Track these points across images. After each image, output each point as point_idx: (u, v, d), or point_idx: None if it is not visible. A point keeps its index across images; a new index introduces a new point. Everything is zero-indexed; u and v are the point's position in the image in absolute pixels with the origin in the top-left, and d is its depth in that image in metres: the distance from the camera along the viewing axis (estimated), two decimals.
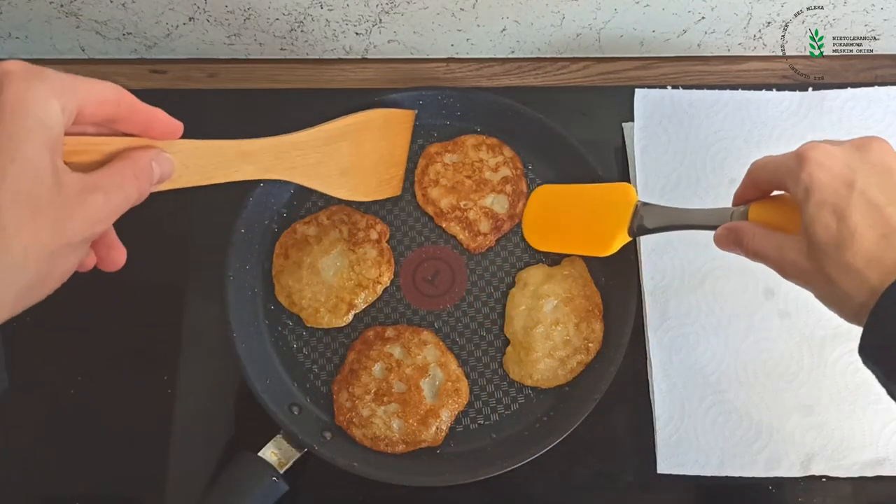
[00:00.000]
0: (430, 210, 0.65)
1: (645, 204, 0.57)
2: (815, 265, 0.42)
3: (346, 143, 0.59)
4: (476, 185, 0.65)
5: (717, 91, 0.68)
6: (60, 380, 0.62)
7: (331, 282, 0.62)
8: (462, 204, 0.64)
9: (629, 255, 0.61)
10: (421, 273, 0.64)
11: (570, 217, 0.63)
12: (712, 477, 0.58)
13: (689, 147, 0.66)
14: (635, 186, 0.65)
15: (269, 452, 0.56)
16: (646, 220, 0.57)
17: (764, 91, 0.68)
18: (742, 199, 0.51)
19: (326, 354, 0.62)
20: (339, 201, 0.65)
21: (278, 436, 0.57)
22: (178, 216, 0.67)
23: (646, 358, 0.61)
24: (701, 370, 0.61)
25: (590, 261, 0.63)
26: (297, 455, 0.57)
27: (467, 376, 0.61)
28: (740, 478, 0.58)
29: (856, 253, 0.40)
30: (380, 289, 0.63)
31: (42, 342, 0.63)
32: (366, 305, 0.62)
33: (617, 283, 0.62)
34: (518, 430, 0.59)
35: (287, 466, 0.56)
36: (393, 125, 0.64)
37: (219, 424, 0.61)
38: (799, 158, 0.43)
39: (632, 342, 0.59)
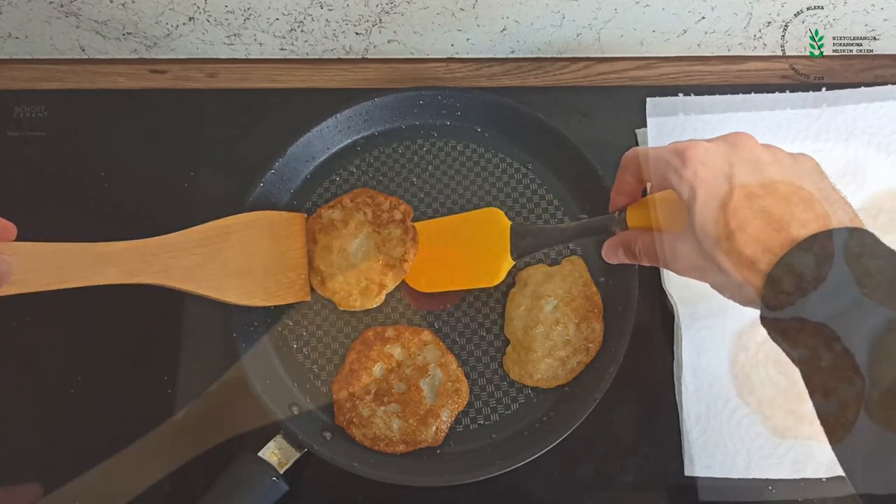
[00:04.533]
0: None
1: (519, 226, 0.59)
2: (707, 259, 0.44)
3: (228, 244, 0.58)
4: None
5: (728, 95, 0.67)
6: (60, 380, 0.62)
7: (360, 265, 0.62)
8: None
9: None
10: None
11: (452, 251, 0.62)
12: (717, 477, 0.58)
13: None
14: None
15: (269, 452, 0.56)
16: (524, 242, 0.58)
17: (777, 93, 0.67)
18: (618, 199, 0.52)
19: (326, 354, 0.62)
20: (362, 184, 0.66)
21: (278, 436, 0.57)
22: (179, 216, 0.67)
23: (650, 358, 0.61)
24: (727, 371, 0.60)
25: (590, 261, 0.63)
26: (297, 455, 0.57)
27: (467, 376, 0.61)
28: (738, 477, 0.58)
29: (745, 243, 0.41)
30: (407, 266, 0.62)
31: (42, 342, 0.63)
32: (395, 285, 0.62)
33: (617, 283, 0.62)
34: (518, 430, 0.59)
35: (287, 466, 0.56)
36: (280, 228, 0.62)
37: (219, 424, 0.61)
38: (681, 157, 0.44)
39: (633, 343, 0.59)
